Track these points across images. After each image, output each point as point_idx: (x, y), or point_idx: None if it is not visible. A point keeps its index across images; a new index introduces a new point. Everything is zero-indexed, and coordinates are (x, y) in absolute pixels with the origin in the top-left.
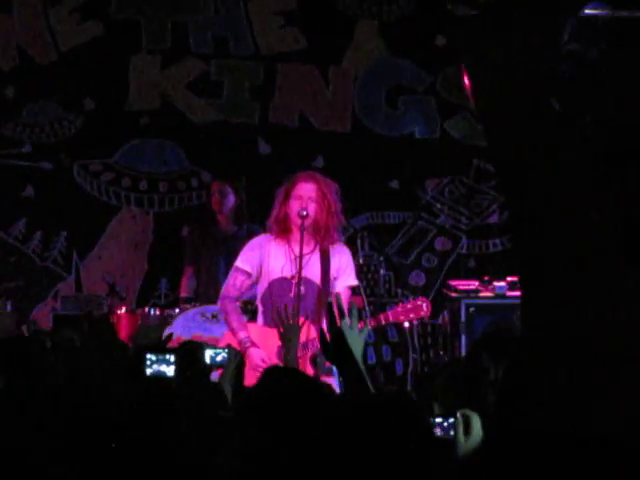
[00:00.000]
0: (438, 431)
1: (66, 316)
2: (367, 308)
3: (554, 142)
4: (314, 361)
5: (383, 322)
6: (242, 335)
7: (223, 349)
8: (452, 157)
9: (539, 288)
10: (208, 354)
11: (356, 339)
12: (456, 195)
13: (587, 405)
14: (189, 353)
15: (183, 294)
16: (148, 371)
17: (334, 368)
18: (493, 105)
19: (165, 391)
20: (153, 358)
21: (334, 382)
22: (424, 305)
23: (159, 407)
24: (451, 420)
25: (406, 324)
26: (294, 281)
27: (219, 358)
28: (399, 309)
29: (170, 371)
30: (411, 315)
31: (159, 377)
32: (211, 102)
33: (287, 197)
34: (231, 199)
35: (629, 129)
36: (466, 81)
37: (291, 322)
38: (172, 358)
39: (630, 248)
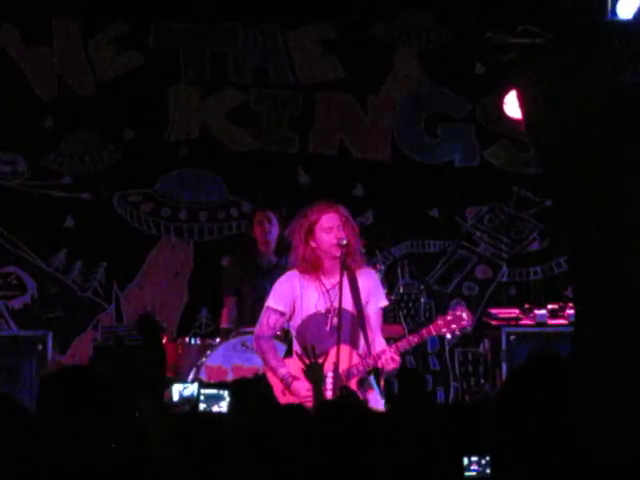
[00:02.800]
0: (474, 469)
1: (106, 346)
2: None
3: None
4: (361, 385)
5: (426, 336)
6: (283, 372)
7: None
8: (492, 185)
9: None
10: (176, 389)
11: None
12: (496, 223)
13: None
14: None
15: (224, 325)
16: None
17: (373, 381)
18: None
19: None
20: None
21: (376, 395)
22: (464, 314)
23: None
24: (487, 458)
25: (448, 336)
26: (330, 315)
27: (186, 392)
28: (440, 322)
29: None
30: (453, 326)
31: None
32: (250, 132)
33: (311, 232)
34: (276, 228)
35: None
36: (507, 107)
37: (314, 361)
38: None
39: None
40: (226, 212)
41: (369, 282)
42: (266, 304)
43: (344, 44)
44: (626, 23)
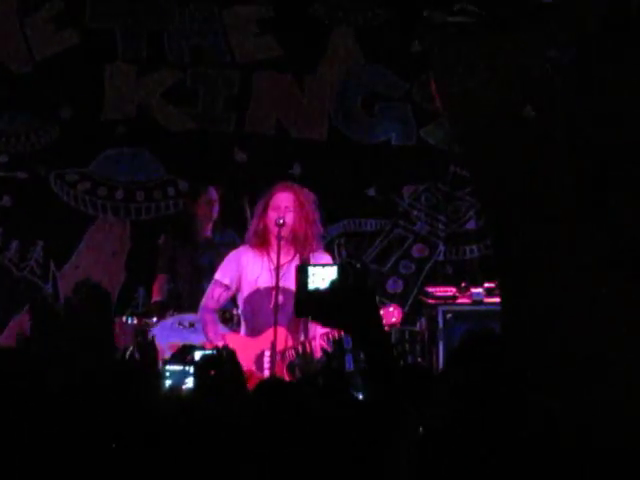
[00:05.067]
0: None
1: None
2: None
3: (530, 149)
4: (291, 369)
5: None
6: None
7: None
8: (429, 164)
9: (519, 293)
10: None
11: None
12: (433, 202)
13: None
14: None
15: (155, 298)
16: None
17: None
18: (461, 113)
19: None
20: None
21: None
22: (395, 312)
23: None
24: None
25: None
26: (273, 292)
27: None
28: None
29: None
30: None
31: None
32: (187, 111)
33: (265, 208)
34: (217, 206)
35: (608, 149)
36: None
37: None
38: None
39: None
40: (163, 191)
41: None
42: (214, 277)
43: (281, 23)
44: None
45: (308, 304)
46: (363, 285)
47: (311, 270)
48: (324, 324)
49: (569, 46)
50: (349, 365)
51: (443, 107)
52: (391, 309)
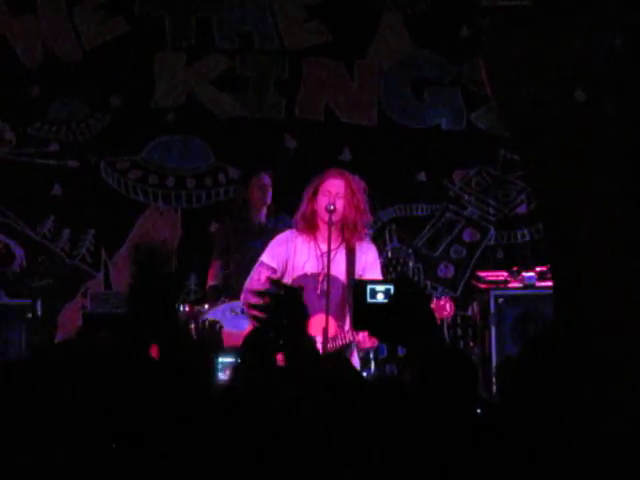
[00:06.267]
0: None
1: (96, 314)
2: None
3: (579, 134)
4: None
5: None
6: None
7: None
8: (479, 148)
9: (572, 278)
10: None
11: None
12: (483, 186)
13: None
14: None
15: (211, 282)
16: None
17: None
18: (510, 98)
19: None
20: None
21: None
22: (447, 305)
23: None
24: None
25: None
26: (320, 278)
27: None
28: None
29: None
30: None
31: None
32: (236, 97)
33: (315, 193)
34: (270, 192)
35: None
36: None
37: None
38: None
39: None
40: (213, 178)
41: (367, 257)
42: (260, 259)
43: (330, 8)
44: None
45: (366, 319)
46: (420, 301)
47: (368, 285)
48: (381, 339)
49: (620, 31)
50: (382, 352)
51: (492, 92)
52: (443, 302)
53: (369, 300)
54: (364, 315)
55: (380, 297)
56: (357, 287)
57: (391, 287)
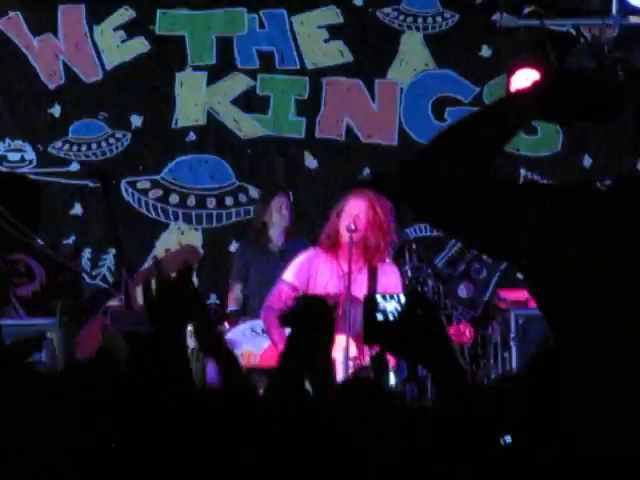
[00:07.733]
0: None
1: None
2: None
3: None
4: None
5: None
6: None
7: None
8: (499, 167)
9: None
10: None
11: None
12: None
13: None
14: None
15: (231, 308)
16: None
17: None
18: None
19: None
20: None
21: None
22: (467, 330)
23: None
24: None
25: None
26: (341, 298)
27: None
28: None
29: None
30: (453, 339)
31: None
32: (257, 117)
33: (339, 214)
34: (291, 213)
35: None
36: (514, 89)
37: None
38: None
39: None
40: (234, 198)
41: (389, 279)
42: (282, 276)
43: (350, 28)
44: None
45: (377, 334)
46: (432, 316)
47: (380, 300)
48: (394, 354)
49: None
50: (402, 372)
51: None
52: (462, 328)
53: (380, 316)
54: (376, 330)
55: (390, 308)
56: (368, 301)
57: (403, 300)
